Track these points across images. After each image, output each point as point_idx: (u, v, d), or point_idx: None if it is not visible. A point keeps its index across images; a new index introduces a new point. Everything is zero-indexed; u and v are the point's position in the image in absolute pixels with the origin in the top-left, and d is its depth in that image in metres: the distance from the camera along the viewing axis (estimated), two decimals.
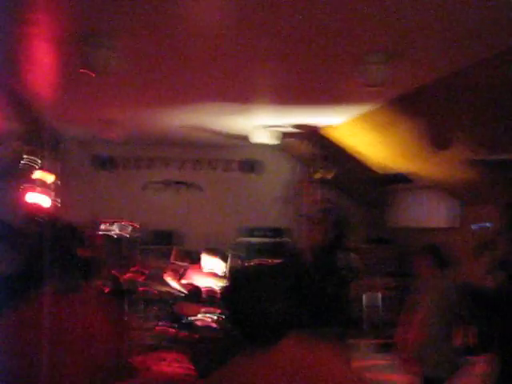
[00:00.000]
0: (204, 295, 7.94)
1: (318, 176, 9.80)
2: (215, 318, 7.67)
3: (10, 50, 5.05)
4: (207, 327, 7.56)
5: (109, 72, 4.79)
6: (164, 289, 8.36)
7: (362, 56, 5.06)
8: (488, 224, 7.49)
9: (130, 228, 10.33)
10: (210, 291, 8.11)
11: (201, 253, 8.79)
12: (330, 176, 9.71)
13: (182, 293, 8.15)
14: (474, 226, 7.86)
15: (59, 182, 9.98)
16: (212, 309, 7.94)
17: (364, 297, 9.90)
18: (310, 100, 7.20)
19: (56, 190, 9.72)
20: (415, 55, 5.18)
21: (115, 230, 10.22)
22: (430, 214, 9.42)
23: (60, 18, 4.21)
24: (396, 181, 9.63)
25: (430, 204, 9.41)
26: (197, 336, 7.39)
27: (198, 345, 6.96)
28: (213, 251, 8.89)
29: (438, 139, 7.03)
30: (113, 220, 10.28)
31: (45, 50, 5.13)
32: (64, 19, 4.27)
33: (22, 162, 8.91)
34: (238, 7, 4.11)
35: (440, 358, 5.13)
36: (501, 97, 5.56)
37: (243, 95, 6.98)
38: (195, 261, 9.28)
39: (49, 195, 9.33)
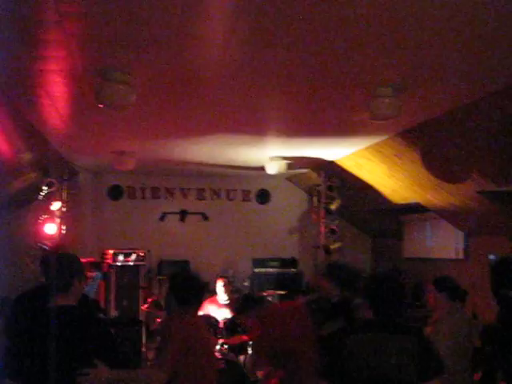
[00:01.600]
0: (221, 326, 7.96)
1: (322, 207, 9.83)
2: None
3: (28, 84, 5.20)
4: (223, 359, 7.57)
5: (123, 106, 4.90)
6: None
7: (371, 90, 5.13)
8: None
9: (141, 257, 10.38)
10: (228, 322, 8.14)
11: (216, 281, 8.85)
12: (334, 207, 9.74)
13: None
14: (491, 257, 7.82)
15: (75, 213, 10.13)
16: (231, 340, 7.96)
17: None
18: (320, 132, 7.29)
19: (71, 220, 9.84)
20: (424, 89, 5.23)
21: (128, 260, 10.27)
22: (438, 244, 9.42)
23: (75, 53, 4.34)
24: (405, 211, 9.66)
25: (438, 235, 9.41)
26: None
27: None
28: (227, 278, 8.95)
29: (445, 171, 7.08)
30: (127, 250, 10.36)
31: (61, 84, 5.26)
32: (79, 55, 4.40)
33: (40, 193, 9.04)
34: (251, 43, 4.21)
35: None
36: (509, 129, 5.59)
37: (255, 127, 7.10)
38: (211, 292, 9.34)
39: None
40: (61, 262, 3.76)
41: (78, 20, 3.75)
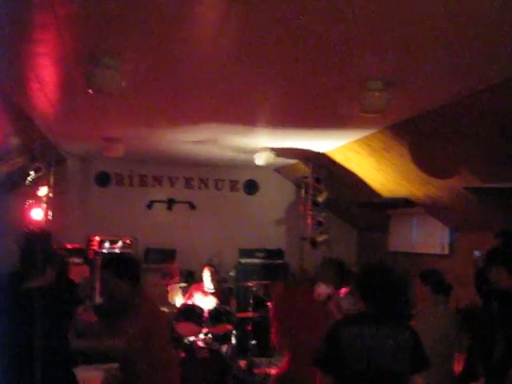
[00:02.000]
0: (206, 315, 7.98)
1: (310, 199, 9.86)
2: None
3: (16, 68, 5.16)
4: (205, 348, 7.60)
5: (113, 91, 4.88)
6: (165, 309, 8.41)
7: (361, 83, 5.14)
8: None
9: (127, 245, 10.37)
10: (213, 311, 8.16)
11: (203, 270, 8.88)
12: (321, 199, 9.76)
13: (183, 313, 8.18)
14: (476, 253, 7.88)
15: (61, 199, 10.09)
16: (215, 329, 7.98)
17: None
18: (309, 124, 7.30)
19: (58, 206, 9.81)
20: (414, 83, 5.25)
21: (114, 247, 10.25)
22: (424, 239, 9.47)
23: (65, 37, 4.31)
24: (392, 206, 9.69)
25: (425, 230, 9.46)
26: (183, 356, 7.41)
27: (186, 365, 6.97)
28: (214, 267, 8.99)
29: (433, 166, 7.11)
30: (113, 237, 10.34)
31: (50, 68, 5.24)
32: (69, 39, 4.37)
33: (27, 178, 8.99)
34: (241, 33, 4.21)
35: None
36: (497, 126, 5.63)
37: (244, 118, 7.09)
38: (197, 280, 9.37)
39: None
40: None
41: (68, 3, 3.73)
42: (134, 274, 4.71)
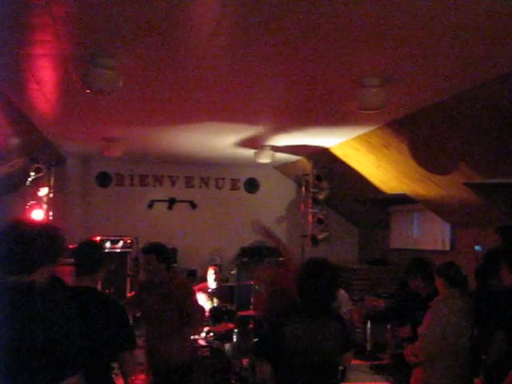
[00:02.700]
0: (207, 314, 7.98)
1: (310, 196, 9.85)
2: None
3: (14, 69, 5.17)
4: (207, 346, 7.60)
5: (110, 91, 4.88)
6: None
7: (359, 80, 5.14)
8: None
9: (128, 244, 10.37)
10: (215, 310, 8.17)
11: (207, 269, 8.90)
12: (321, 196, 9.75)
13: None
14: (476, 248, 7.87)
15: (62, 199, 10.10)
16: (217, 328, 7.99)
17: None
18: (308, 122, 7.30)
19: (59, 206, 9.81)
20: (411, 80, 5.25)
21: (115, 247, 10.26)
22: (425, 236, 9.48)
23: (62, 38, 4.32)
24: (392, 202, 9.70)
25: (425, 226, 9.47)
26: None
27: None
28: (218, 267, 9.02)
29: (433, 162, 7.11)
30: (114, 237, 10.34)
31: (48, 69, 5.25)
32: (66, 40, 4.38)
33: (28, 179, 8.99)
34: (238, 32, 4.21)
35: (451, 371, 5.05)
36: (497, 121, 5.63)
37: (243, 115, 7.10)
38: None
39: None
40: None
41: (65, 4, 3.73)
42: (170, 260, 5.94)
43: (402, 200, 9.23)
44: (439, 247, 9.05)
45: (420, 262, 6.08)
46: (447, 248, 8.90)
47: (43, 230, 3.06)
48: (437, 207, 8.59)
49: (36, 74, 5.32)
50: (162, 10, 3.75)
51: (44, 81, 5.61)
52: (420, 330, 5.29)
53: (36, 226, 3.17)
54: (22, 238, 2.91)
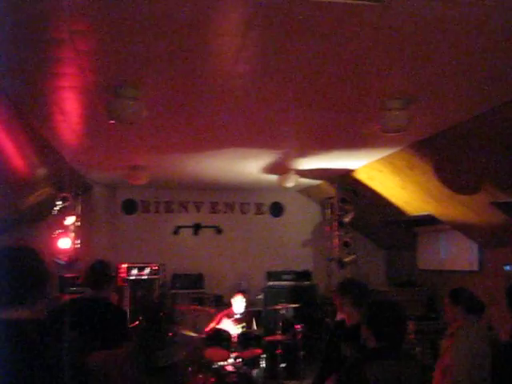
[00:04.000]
0: (235, 339, 7.96)
1: (335, 219, 9.83)
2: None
3: (41, 101, 5.27)
4: (234, 372, 7.58)
5: (134, 121, 4.95)
6: (194, 334, 8.41)
7: (382, 102, 5.14)
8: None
9: (155, 271, 10.41)
10: (242, 335, 8.15)
11: (235, 296, 8.89)
12: (347, 219, 9.72)
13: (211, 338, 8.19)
14: (506, 268, 7.76)
15: (89, 227, 10.20)
16: (244, 353, 7.96)
17: None
18: (332, 145, 7.30)
19: (85, 234, 9.90)
20: (434, 100, 5.23)
21: (142, 274, 10.30)
22: (453, 256, 9.36)
23: (87, 70, 4.39)
24: (419, 223, 9.62)
25: (453, 246, 9.36)
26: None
27: None
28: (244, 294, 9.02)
29: (458, 182, 7.05)
30: (140, 264, 10.39)
31: (73, 100, 5.33)
32: (90, 72, 4.45)
33: (54, 207, 9.10)
34: (262, 57, 4.24)
35: None
36: None
37: (267, 140, 7.12)
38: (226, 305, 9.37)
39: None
40: None
41: (88, 37, 3.80)
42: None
43: (428, 221, 9.15)
44: (467, 268, 8.92)
45: (352, 283, 5.22)
46: (475, 268, 8.77)
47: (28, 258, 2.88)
48: (464, 227, 8.50)
49: (61, 105, 5.42)
50: (184, 40, 3.80)
51: (69, 112, 5.69)
52: (445, 362, 5.12)
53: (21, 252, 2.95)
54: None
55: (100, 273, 4.94)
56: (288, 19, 3.51)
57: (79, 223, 9.67)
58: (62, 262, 9.00)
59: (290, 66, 4.39)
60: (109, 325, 4.59)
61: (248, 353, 8.07)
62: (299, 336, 8.48)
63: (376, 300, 4.08)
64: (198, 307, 9.95)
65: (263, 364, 8.39)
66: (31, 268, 2.78)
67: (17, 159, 6.72)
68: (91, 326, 4.34)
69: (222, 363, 7.90)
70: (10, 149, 6.28)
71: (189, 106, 5.53)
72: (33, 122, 6.00)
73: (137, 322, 6.32)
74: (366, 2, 3.21)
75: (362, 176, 8.97)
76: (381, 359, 3.67)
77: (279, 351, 8.58)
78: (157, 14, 3.42)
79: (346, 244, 9.94)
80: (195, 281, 11.13)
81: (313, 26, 3.64)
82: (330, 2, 3.22)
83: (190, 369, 8.25)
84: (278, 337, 8.55)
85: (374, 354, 3.76)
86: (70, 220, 9.39)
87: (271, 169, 8.99)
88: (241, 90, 5.02)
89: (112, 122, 4.90)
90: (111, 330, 4.57)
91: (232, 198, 11.93)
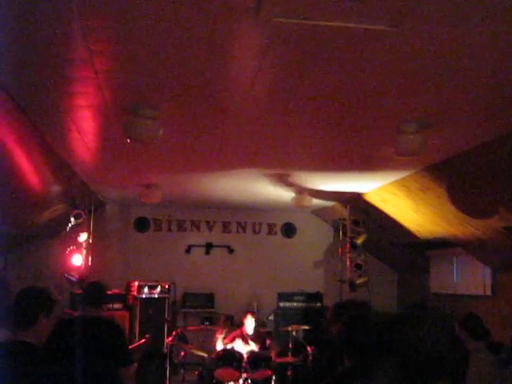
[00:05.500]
0: (245, 360, 7.92)
1: (348, 241, 9.81)
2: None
3: (58, 119, 5.32)
4: None
5: (151, 140, 4.97)
6: (205, 354, 8.38)
7: (396, 126, 5.14)
8: None
9: (166, 290, 10.39)
10: (252, 356, 8.10)
11: (245, 316, 8.86)
12: (359, 241, 9.70)
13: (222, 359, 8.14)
14: None
15: (101, 244, 10.23)
16: (255, 374, 7.92)
17: None
18: (346, 167, 7.31)
19: (98, 251, 9.92)
20: (449, 124, 5.23)
21: (153, 292, 10.29)
22: (465, 280, 9.30)
23: (104, 89, 4.43)
24: (432, 246, 9.56)
25: (466, 270, 9.30)
26: None
27: None
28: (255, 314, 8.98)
29: (472, 206, 7.03)
30: (152, 282, 10.38)
31: (89, 119, 5.38)
32: (108, 91, 4.49)
33: (68, 224, 9.14)
34: (278, 79, 4.27)
35: None
36: None
37: (281, 161, 7.14)
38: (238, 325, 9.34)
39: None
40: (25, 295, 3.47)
41: (107, 58, 3.85)
42: None
43: (441, 244, 9.10)
44: (480, 292, 8.85)
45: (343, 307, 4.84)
46: (488, 293, 8.70)
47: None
48: (477, 251, 8.45)
49: (78, 123, 5.46)
50: (201, 62, 3.83)
51: (85, 130, 5.74)
52: None
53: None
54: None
55: (94, 292, 5.08)
56: (305, 44, 3.54)
57: (92, 240, 9.71)
58: (74, 279, 9.01)
59: (306, 89, 4.41)
60: (107, 344, 4.57)
61: (258, 374, 8.02)
62: (310, 358, 8.41)
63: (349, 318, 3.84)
64: (209, 326, 9.95)
65: None
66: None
67: (32, 176, 6.78)
68: (90, 346, 4.21)
69: None
70: (26, 165, 6.33)
71: (204, 127, 5.57)
72: (49, 140, 6.05)
73: (143, 340, 6.25)
74: (383, 28, 3.23)
75: (375, 198, 8.96)
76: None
77: (290, 373, 8.51)
78: (175, 35, 3.46)
79: (357, 266, 9.90)
80: (206, 300, 11.12)
81: (329, 51, 3.67)
82: (346, 28, 3.25)
83: None
84: (289, 358, 8.49)
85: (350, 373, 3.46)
86: (83, 237, 9.43)
87: (284, 189, 9.00)
88: (256, 112, 5.05)
89: (128, 140, 4.93)
90: (110, 348, 4.54)
91: (244, 217, 11.94)
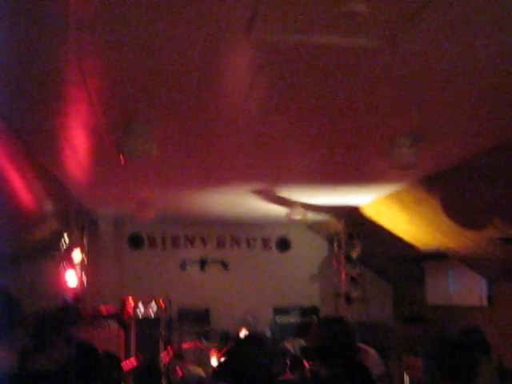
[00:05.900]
0: None
1: (343, 254, 9.80)
2: None
3: (51, 138, 5.30)
4: None
5: (144, 158, 4.95)
6: (200, 371, 8.32)
7: (390, 139, 5.14)
8: None
9: (158, 307, 10.32)
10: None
11: (240, 330, 8.82)
12: (354, 255, 9.69)
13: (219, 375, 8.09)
14: None
15: (95, 262, 10.17)
16: None
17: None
18: (340, 180, 7.32)
19: (92, 269, 9.87)
20: (442, 137, 5.25)
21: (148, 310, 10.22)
22: (461, 291, 9.28)
23: (97, 109, 4.42)
24: (427, 258, 9.56)
25: (461, 282, 9.29)
26: None
27: None
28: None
29: (467, 218, 7.02)
30: (147, 300, 10.31)
31: (83, 137, 5.37)
32: (101, 110, 4.48)
33: (61, 242, 9.08)
34: (269, 95, 4.27)
35: None
36: None
37: (274, 176, 7.13)
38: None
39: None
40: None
41: (100, 77, 3.84)
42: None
43: (436, 256, 9.10)
44: (477, 303, 8.83)
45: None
46: (485, 304, 8.69)
47: None
48: (472, 262, 8.44)
49: (70, 141, 5.44)
50: (194, 78, 3.83)
51: (78, 148, 5.72)
52: None
53: None
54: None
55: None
56: (298, 60, 3.54)
57: (85, 257, 9.65)
58: (69, 299, 8.93)
59: (299, 104, 4.42)
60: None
61: None
62: (309, 374, 8.34)
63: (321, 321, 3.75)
64: (205, 343, 9.87)
65: None
66: None
67: (24, 194, 6.73)
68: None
69: None
70: (18, 183, 6.29)
71: (197, 143, 5.56)
72: (41, 158, 6.02)
73: (135, 364, 6.11)
74: (377, 44, 3.23)
75: (370, 211, 8.95)
76: None
77: None
78: (168, 54, 3.46)
79: (353, 279, 9.89)
80: (201, 316, 11.06)
81: (322, 67, 3.68)
82: (339, 45, 3.25)
83: None
84: (287, 376, 8.42)
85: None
86: (76, 254, 9.37)
87: (278, 204, 8.97)
88: (249, 127, 5.04)
89: (122, 158, 4.90)
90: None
91: (238, 232, 11.90)
